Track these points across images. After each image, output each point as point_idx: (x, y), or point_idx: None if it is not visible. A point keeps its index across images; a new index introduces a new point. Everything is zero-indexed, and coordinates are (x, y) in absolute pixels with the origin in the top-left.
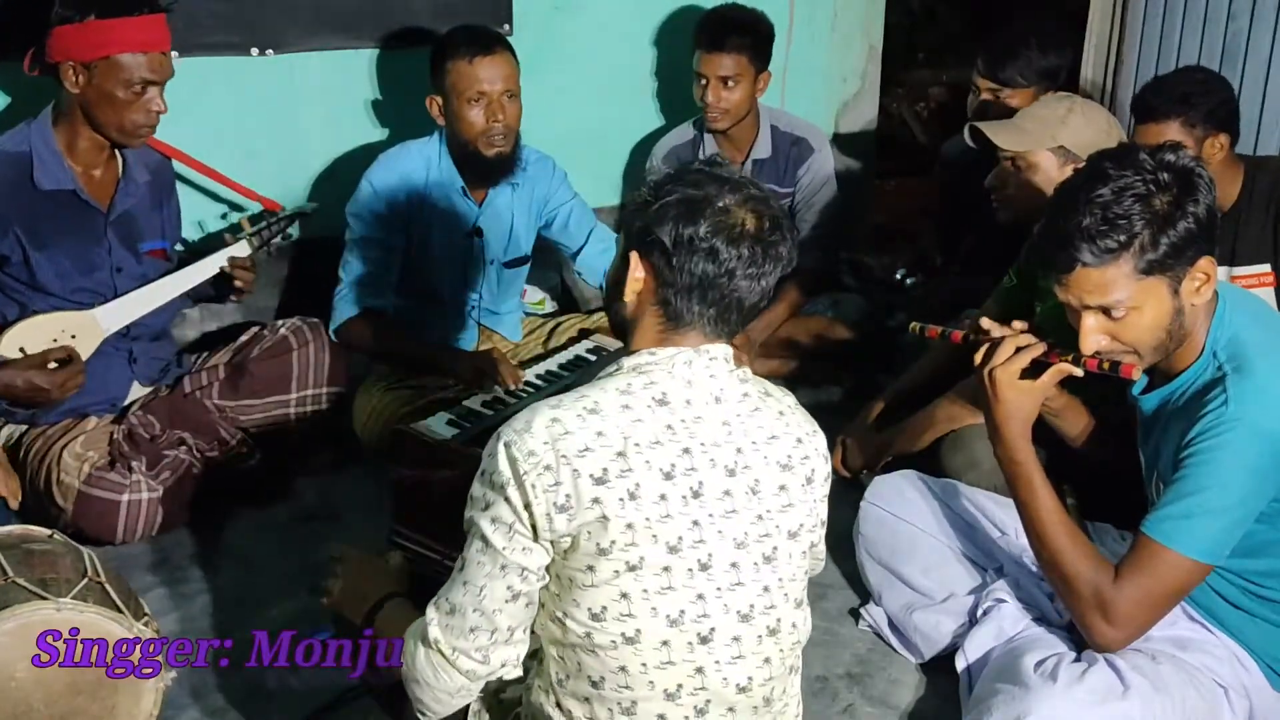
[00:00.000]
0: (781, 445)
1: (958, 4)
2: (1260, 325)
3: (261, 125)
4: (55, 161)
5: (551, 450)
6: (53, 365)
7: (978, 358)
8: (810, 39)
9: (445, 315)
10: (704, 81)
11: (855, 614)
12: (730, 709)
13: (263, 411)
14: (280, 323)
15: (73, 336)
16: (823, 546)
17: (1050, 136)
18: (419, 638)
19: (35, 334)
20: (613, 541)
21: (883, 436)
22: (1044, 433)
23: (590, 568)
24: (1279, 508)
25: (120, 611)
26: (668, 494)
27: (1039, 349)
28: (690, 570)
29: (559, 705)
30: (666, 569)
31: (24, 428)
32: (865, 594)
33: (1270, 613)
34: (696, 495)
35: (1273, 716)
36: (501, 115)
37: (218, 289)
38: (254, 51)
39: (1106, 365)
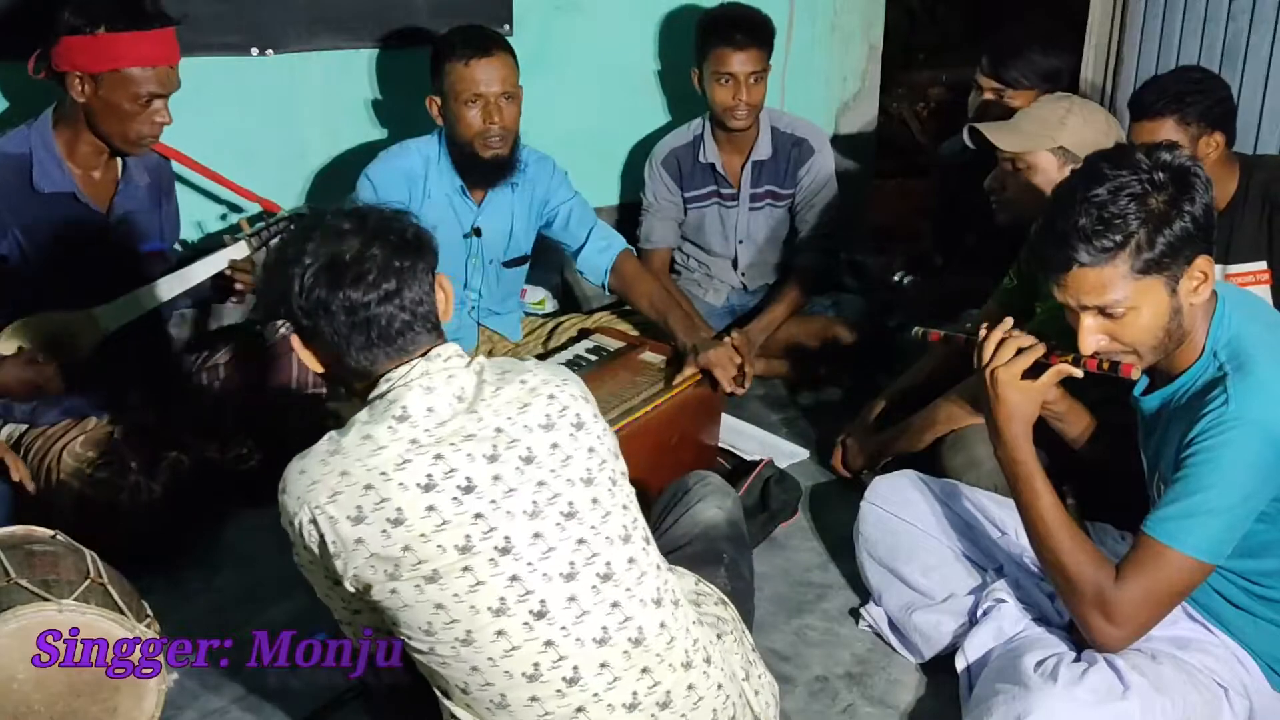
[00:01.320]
0: (536, 409)
1: (958, 4)
2: (1260, 324)
3: (261, 125)
4: (55, 164)
5: (305, 505)
6: (41, 358)
7: (975, 359)
8: (810, 39)
9: None
10: (726, 80)
11: (855, 614)
12: (603, 664)
13: (263, 412)
14: (280, 323)
15: (72, 336)
16: (626, 477)
17: (1049, 137)
18: None
19: (34, 333)
20: (396, 565)
21: (883, 437)
22: (1043, 434)
23: (393, 591)
24: None
25: (122, 613)
26: (436, 504)
27: (1039, 350)
28: (492, 560)
29: (453, 715)
30: (466, 569)
31: (24, 427)
32: (865, 594)
33: (1271, 612)
34: (468, 490)
35: (1272, 717)
36: (498, 118)
37: (217, 290)
38: (254, 51)
39: (1106, 365)
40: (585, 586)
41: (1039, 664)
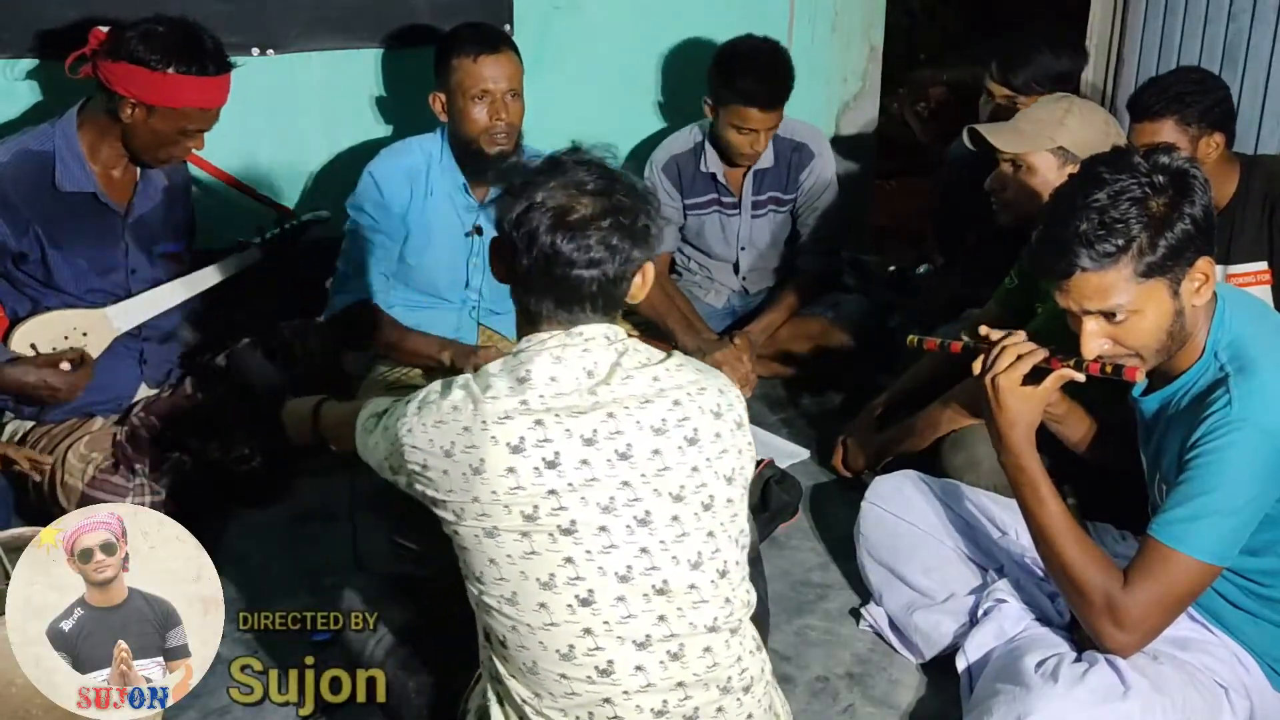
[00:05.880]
0: (654, 409)
1: (958, 4)
2: (1261, 325)
3: (262, 125)
4: (77, 164)
5: (416, 420)
6: (65, 366)
7: (976, 366)
8: (811, 39)
9: (445, 314)
10: (746, 132)
11: (856, 614)
12: (639, 667)
13: (265, 413)
14: (283, 324)
15: (84, 335)
16: (737, 508)
17: (1048, 138)
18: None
19: (47, 331)
20: (463, 508)
21: (884, 437)
22: (1041, 432)
23: (455, 532)
24: None
25: None
26: (516, 467)
27: (1040, 355)
28: (551, 536)
29: (492, 658)
30: (525, 534)
31: (29, 424)
32: (866, 594)
33: (1271, 612)
34: (552, 465)
35: (1273, 717)
36: (505, 114)
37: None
38: (254, 51)
39: (1109, 369)
40: (637, 593)
41: (1040, 664)
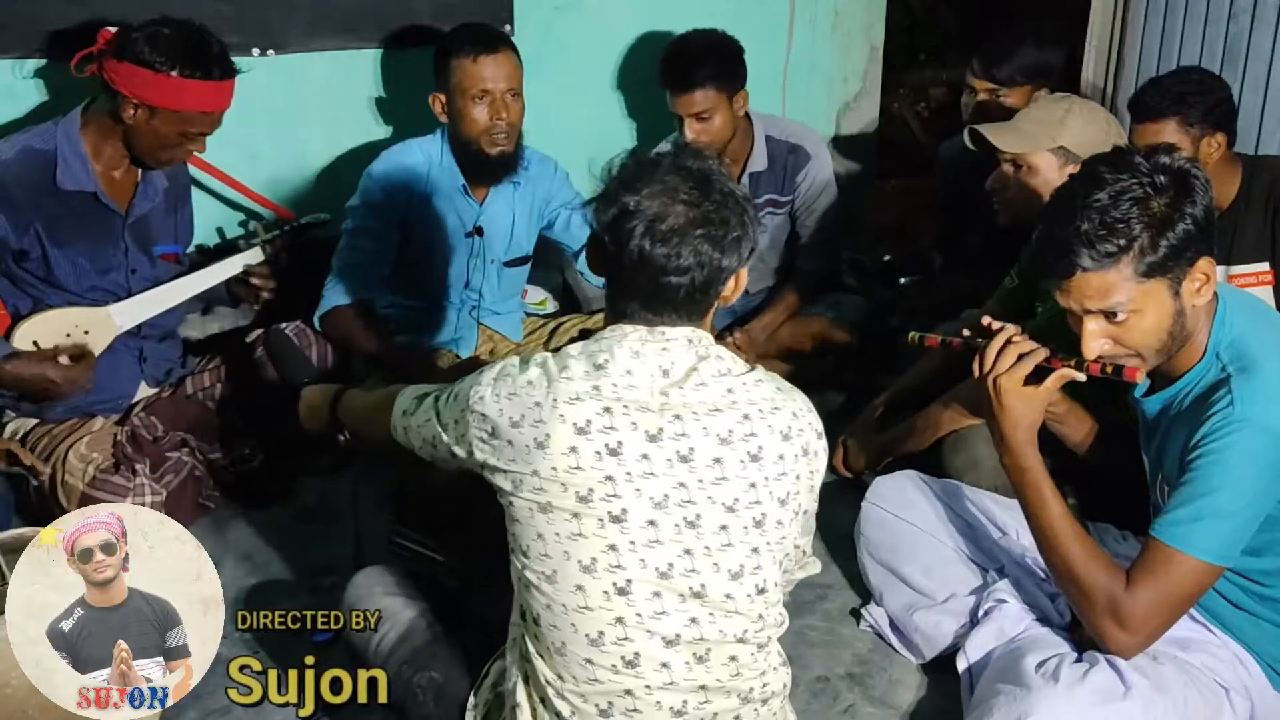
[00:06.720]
0: (724, 420)
1: (958, 4)
2: (1262, 325)
3: (263, 126)
4: (79, 164)
5: (490, 389)
6: (65, 360)
7: (975, 368)
8: (811, 39)
9: (446, 314)
10: (681, 120)
11: (856, 614)
12: (664, 664)
13: (265, 412)
14: (284, 325)
15: (86, 332)
16: (785, 530)
17: (1050, 138)
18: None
19: (49, 328)
20: (521, 480)
21: (885, 437)
22: (1042, 436)
23: (510, 504)
24: None
25: None
26: (579, 447)
27: (1041, 355)
28: (600, 521)
29: (524, 636)
30: (576, 515)
31: (31, 423)
32: (866, 594)
33: (1272, 612)
34: (613, 454)
35: (1274, 717)
36: (504, 114)
37: (232, 296)
38: (255, 52)
39: (1110, 369)
40: (673, 592)
41: (1040, 664)
